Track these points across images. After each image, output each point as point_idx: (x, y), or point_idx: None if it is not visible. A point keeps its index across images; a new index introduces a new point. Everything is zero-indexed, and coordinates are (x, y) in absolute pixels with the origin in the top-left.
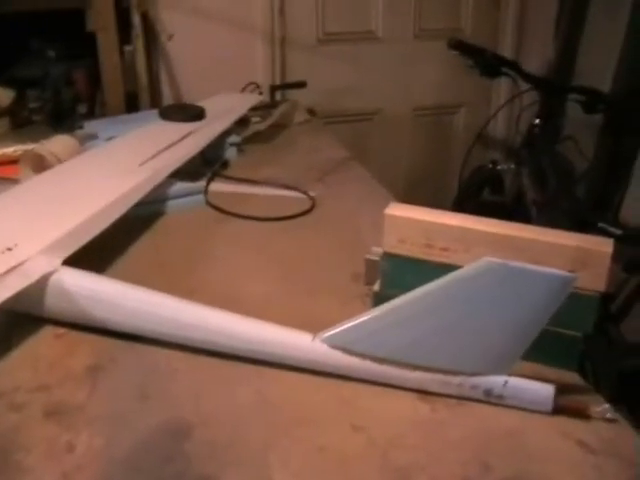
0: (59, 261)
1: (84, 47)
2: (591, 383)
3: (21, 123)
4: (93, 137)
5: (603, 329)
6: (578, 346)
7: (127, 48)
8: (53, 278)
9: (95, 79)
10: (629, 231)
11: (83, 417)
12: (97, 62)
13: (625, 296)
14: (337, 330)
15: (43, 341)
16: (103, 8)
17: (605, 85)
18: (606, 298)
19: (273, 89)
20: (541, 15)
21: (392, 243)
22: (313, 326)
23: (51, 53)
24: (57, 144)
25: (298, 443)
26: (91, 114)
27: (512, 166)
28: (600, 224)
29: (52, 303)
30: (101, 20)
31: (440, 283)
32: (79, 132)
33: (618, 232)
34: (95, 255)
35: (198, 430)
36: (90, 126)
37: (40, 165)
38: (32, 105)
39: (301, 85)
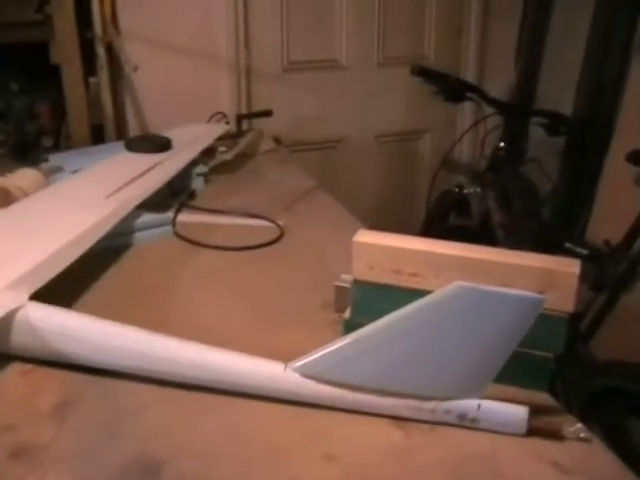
0: (26, 296)
1: (48, 79)
2: (562, 403)
3: None
4: (59, 170)
5: (573, 349)
6: (549, 367)
7: (92, 80)
8: (20, 314)
9: (60, 111)
10: (595, 251)
11: (50, 456)
12: (61, 94)
13: (593, 315)
14: (309, 359)
15: (8, 379)
16: (67, 40)
17: (566, 108)
18: (575, 318)
19: (239, 118)
20: (502, 41)
21: (361, 270)
22: (284, 356)
23: (14, 86)
24: (22, 177)
25: (271, 474)
26: (56, 147)
27: (478, 190)
28: (567, 244)
29: (18, 339)
30: (65, 52)
31: (411, 308)
32: (44, 165)
33: (585, 252)
34: (62, 289)
35: (169, 466)
36: (55, 159)
37: (5, 199)
38: None
39: (267, 114)
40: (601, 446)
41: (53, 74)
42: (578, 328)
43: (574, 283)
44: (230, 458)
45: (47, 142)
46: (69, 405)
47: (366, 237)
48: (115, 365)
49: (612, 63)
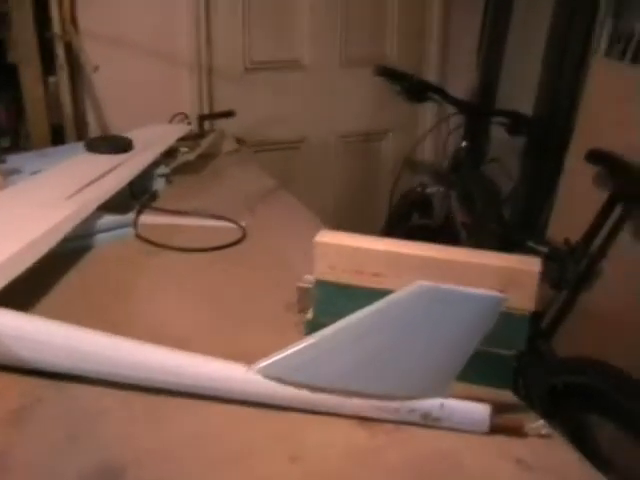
0: None
1: (4, 78)
2: (523, 400)
3: None
4: (17, 171)
5: (534, 346)
6: (511, 364)
7: (51, 79)
8: None
9: (17, 111)
10: (556, 249)
11: (9, 463)
12: (19, 94)
13: (554, 313)
14: (271, 360)
15: None
16: (25, 39)
17: (526, 108)
18: (536, 316)
19: (201, 119)
20: (463, 43)
21: (323, 270)
22: (247, 358)
23: None
24: None
25: (235, 477)
26: (15, 147)
27: (440, 189)
28: (528, 243)
29: None
30: (23, 51)
31: (373, 308)
32: (2, 166)
33: (545, 250)
34: (20, 293)
35: (131, 470)
36: (13, 160)
37: None
38: None
39: (229, 114)
40: (563, 442)
41: (10, 73)
42: (539, 326)
43: (535, 281)
44: (194, 461)
45: (5, 143)
46: (28, 410)
47: (328, 237)
48: (75, 369)
49: (570, 63)
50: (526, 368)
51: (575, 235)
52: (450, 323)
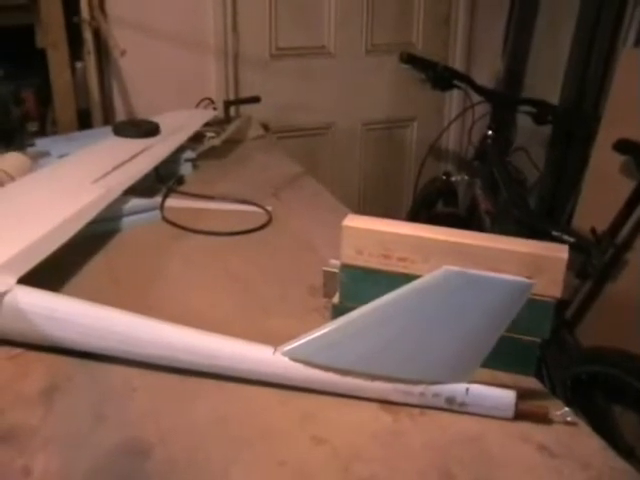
0: (13, 280)
1: (32, 64)
2: (546, 388)
3: None
4: (46, 155)
5: (558, 335)
6: (536, 351)
7: (78, 65)
8: (7, 297)
9: (45, 96)
10: (581, 239)
11: (38, 440)
12: (47, 79)
13: (579, 303)
14: (298, 343)
15: None
16: (53, 24)
17: (553, 97)
18: (561, 305)
19: (227, 104)
20: (490, 30)
21: (350, 255)
22: (271, 341)
23: None
24: (9, 162)
25: (259, 458)
26: (42, 132)
27: (465, 178)
28: (553, 232)
29: (6, 323)
30: (51, 36)
31: (400, 293)
32: (31, 150)
33: (571, 240)
34: (50, 274)
35: (158, 449)
36: (42, 143)
37: None
38: None
39: (255, 100)
40: (587, 430)
41: (39, 59)
42: (564, 315)
43: (562, 268)
44: (219, 442)
45: (33, 127)
46: (57, 389)
47: (355, 222)
48: (104, 349)
49: (598, 53)
50: (550, 357)
51: (601, 225)
52: (477, 308)
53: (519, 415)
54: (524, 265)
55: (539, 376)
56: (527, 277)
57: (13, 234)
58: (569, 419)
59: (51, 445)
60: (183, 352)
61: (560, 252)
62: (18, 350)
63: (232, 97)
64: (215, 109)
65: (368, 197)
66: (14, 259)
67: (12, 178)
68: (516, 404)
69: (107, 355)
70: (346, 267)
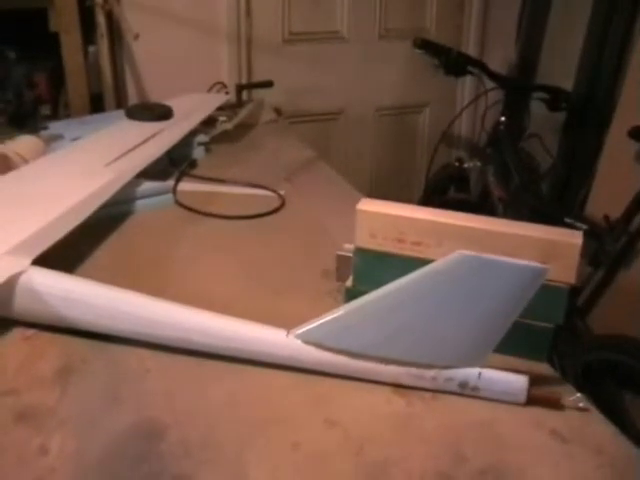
0: (28, 261)
1: (46, 48)
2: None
3: None
4: (59, 138)
5: (570, 322)
6: (548, 337)
7: (91, 48)
8: (22, 278)
9: (58, 80)
10: (594, 226)
11: (54, 420)
12: (60, 62)
13: (591, 290)
14: (311, 326)
15: (11, 343)
16: (67, 7)
17: (567, 84)
18: (573, 292)
19: (239, 89)
20: (504, 16)
21: (364, 238)
22: (284, 324)
23: (11, 54)
24: (22, 144)
25: (273, 440)
26: (54, 116)
27: (478, 164)
28: (566, 219)
29: (21, 304)
30: (64, 20)
31: (413, 277)
32: (44, 133)
33: (584, 227)
34: (63, 256)
35: (172, 430)
36: (55, 127)
37: (4, 166)
38: None
39: (267, 84)
40: (599, 416)
41: (52, 42)
42: (576, 302)
43: (577, 254)
44: (233, 424)
45: (45, 111)
46: (72, 370)
47: (370, 205)
48: (119, 330)
49: (614, 39)
50: (561, 344)
51: (614, 213)
52: (490, 293)
53: (531, 400)
54: (538, 250)
55: (550, 363)
56: (541, 262)
57: (27, 216)
58: (581, 405)
59: (67, 425)
60: (196, 334)
61: (574, 238)
62: (32, 331)
63: (245, 81)
64: (227, 93)
65: (380, 183)
66: (28, 241)
67: (26, 161)
68: (528, 389)
69: (120, 337)
70: (360, 251)
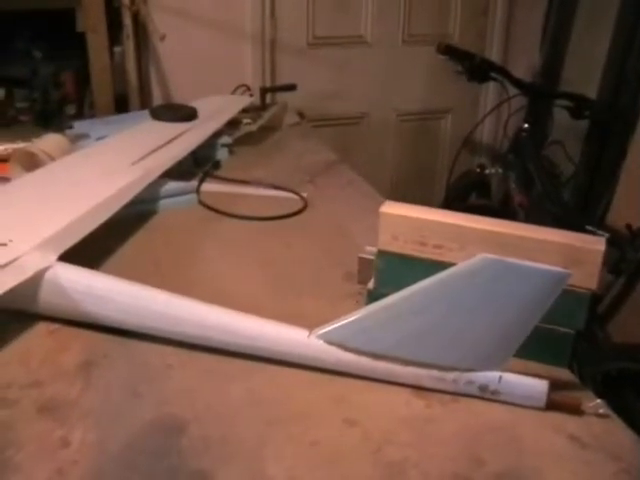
0: (54, 257)
1: (72, 47)
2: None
3: (7, 122)
4: (84, 137)
5: (590, 329)
6: (569, 343)
7: (117, 49)
8: (48, 274)
9: (84, 80)
10: (616, 234)
11: (77, 412)
12: (86, 62)
13: (611, 298)
14: (333, 326)
15: (36, 337)
16: (94, 8)
17: (591, 92)
18: (593, 300)
19: (263, 91)
20: (528, 22)
21: (386, 241)
22: (306, 324)
23: (37, 53)
24: (49, 143)
25: (292, 438)
26: (80, 115)
27: (499, 170)
28: (587, 227)
29: (46, 298)
30: (91, 20)
31: (435, 279)
32: (70, 132)
33: (605, 235)
34: (88, 253)
35: (192, 426)
36: (80, 126)
37: (31, 163)
38: (19, 105)
39: (291, 88)
40: (619, 422)
41: (78, 42)
42: (596, 310)
43: (599, 260)
44: (253, 422)
45: (70, 110)
46: (95, 364)
47: (393, 208)
48: (141, 327)
49: (639, 49)
50: (581, 351)
51: (636, 222)
52: (512, 297)
53: (551, 405)
54: (560, 256)
55: (570, 369)
56: (563, 267)
57: (54, 212)
58: (601, 411)
59: (89, 418)
60: (219, 332)
61: (597, 244)
62: (56, 325)
63: (268, 84)
64: (251, 96)
65: (400, 188)
66: (55, 237)
67: (52, 159)
68: (548, 394)
69: (143, 333)
70: (382, 253)
